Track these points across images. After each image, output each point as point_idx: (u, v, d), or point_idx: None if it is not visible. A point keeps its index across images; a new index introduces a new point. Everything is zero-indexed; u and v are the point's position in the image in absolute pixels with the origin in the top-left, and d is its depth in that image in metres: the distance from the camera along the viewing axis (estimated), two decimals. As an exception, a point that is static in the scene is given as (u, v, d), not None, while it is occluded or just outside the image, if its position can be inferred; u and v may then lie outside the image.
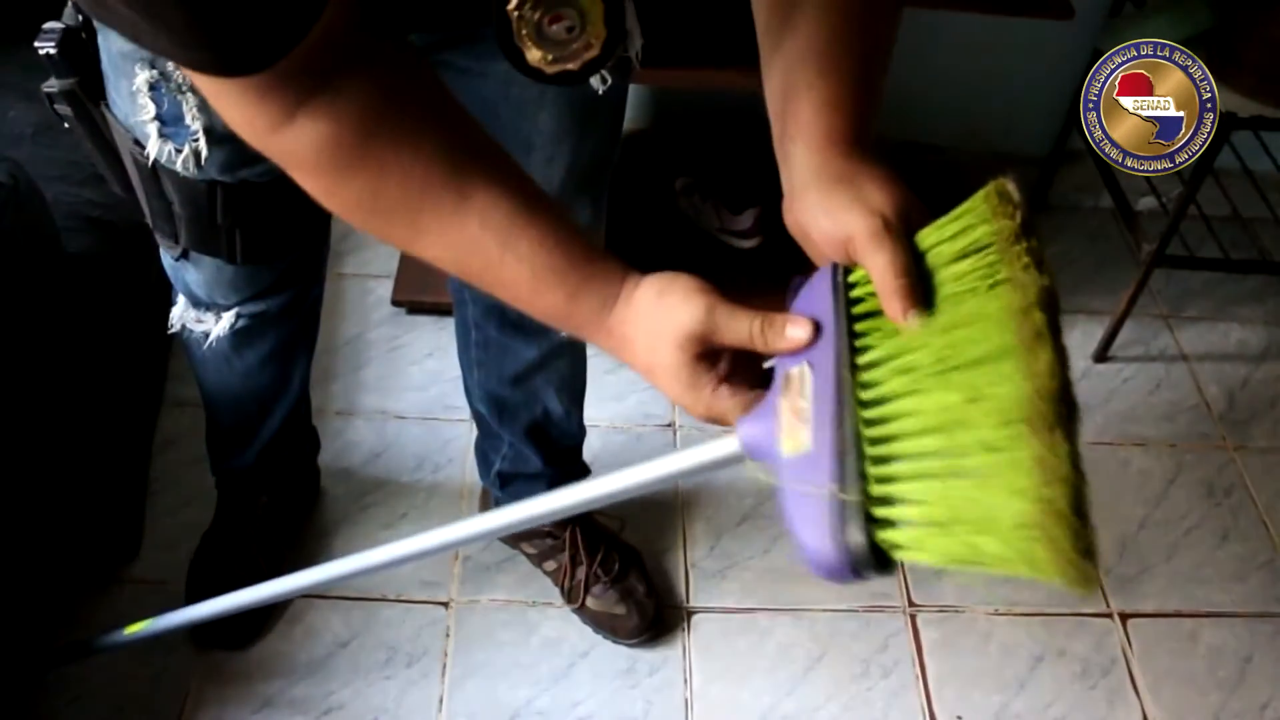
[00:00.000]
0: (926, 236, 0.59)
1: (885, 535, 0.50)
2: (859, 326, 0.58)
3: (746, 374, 0.64)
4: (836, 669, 1.51)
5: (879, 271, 0.57)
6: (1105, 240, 2.23)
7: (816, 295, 0.61)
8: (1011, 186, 0.55)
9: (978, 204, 0.56)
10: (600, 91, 0.98)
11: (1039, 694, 1.51)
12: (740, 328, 0.62)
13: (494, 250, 0.65)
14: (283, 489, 1.50)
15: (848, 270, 0.60)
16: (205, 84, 0.62)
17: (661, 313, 0.64)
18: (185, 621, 1.15)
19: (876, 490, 0.51)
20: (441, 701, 1.42)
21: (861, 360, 0.56)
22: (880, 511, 0.51)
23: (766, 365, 0.64)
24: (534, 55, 0.78)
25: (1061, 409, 0.47)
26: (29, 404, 1.22)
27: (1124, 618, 1.61)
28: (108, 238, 1.40)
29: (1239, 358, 2.04)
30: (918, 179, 2.23)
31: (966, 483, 0.48)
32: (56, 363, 1.28)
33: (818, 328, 0.60)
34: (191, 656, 1.41)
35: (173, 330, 1.20)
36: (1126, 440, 1.86)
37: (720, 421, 0.64)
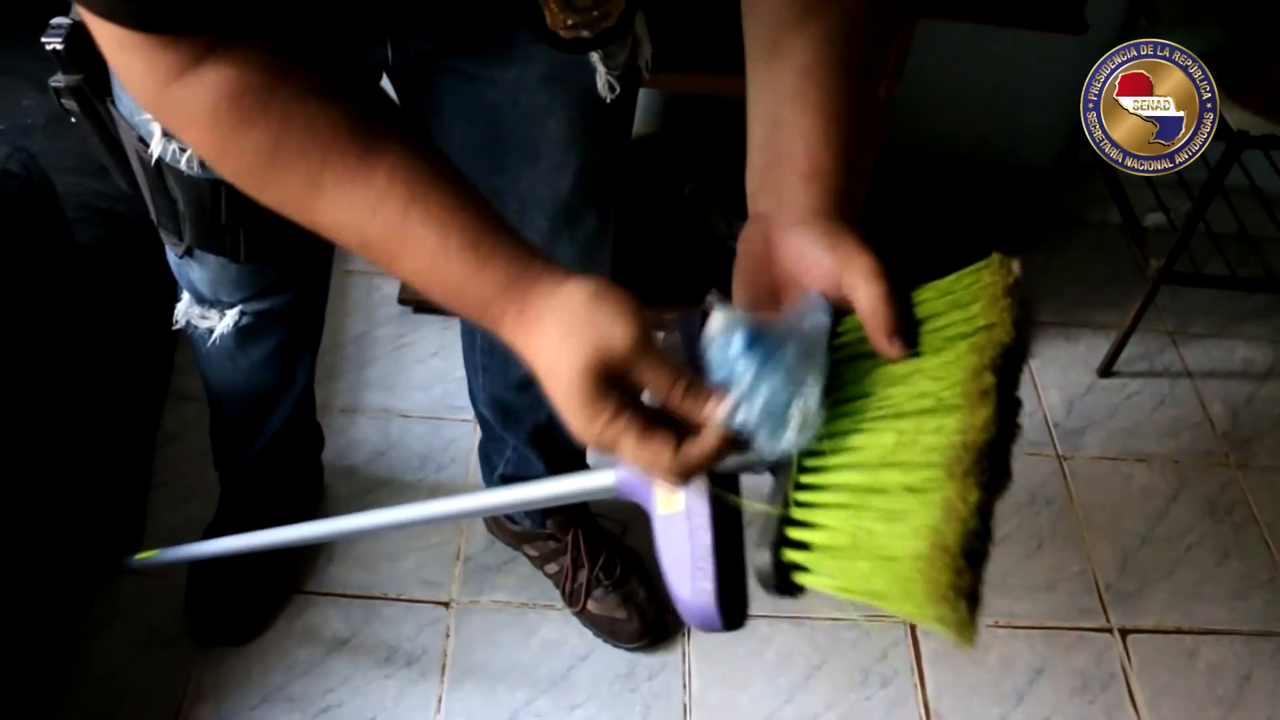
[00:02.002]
0: (923, 291, 0.60)
1: (791, 554, 0.53)
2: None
3: (640, 407, 0.59)
4: (835, 677, 1.51)
5: (874, 300, 0.58)
6: (1112, 255, 2.23)
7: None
8: (1016, 263, 0.56)
9: (978, 268, 0.58)
10: (609, 100, 0.98)
11: (1037, 707, 1.51)
12: (661, 380, 0.58)
13: (399, 209, 0.60)
14: (286, 485, 1.50)
15: (838, 318, 0.61)
16: (109, 32, 0.58)
17: (588, 316, 0.58)
18: (191, 557, 1.22)
19: (797, 513, 0.54)
20: (440, 701, 1.42)
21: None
22: (791, 532, 0.53)
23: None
24: (556, 19, 0.78)
25: (985, 463, 0.48)
26: (35, 394, 1.22)
27: (1124, 633, 1.61)
28: (117, 229, 1.40)
29: (1244, 375, 2.04)
30: (929, 188, 2.22)
31: (873, 515, 0.50)
32: (64, 353, 1.28)
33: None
34: (191, 652, 1.41)
35: (177, 326, 1.20)
36: (1129, 455, 1.86)
37: (605, 449, 0.59)
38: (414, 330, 1.87)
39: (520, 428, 1.37)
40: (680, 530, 0.60)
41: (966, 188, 2.20)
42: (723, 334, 0.57)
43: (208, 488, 1.51)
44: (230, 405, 1.38)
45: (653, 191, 2.05)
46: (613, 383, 0.58)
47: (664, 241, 1.99)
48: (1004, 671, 1.54)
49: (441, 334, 1.85)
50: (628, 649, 1.49)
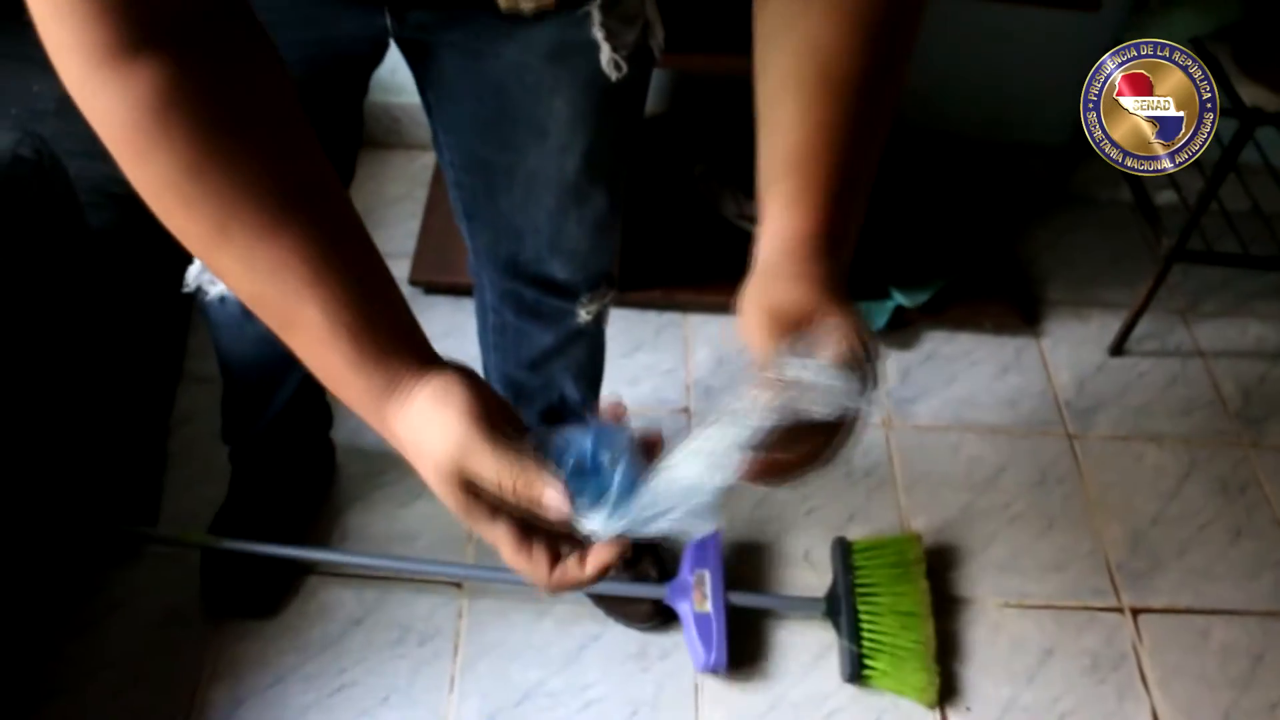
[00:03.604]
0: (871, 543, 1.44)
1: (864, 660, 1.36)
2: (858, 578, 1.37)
3: (515, 513, 0.61)
4: (846, 657, 1.51)
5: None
6: (1123, 233, 2.22)
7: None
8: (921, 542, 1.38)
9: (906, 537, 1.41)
10: (615, 79, 0.97)
11: (1048, 687, 1.52)
12: (488, 471, 0.57)
13: (294, 284, 0.58)
14: (296, 461, 1.51)
15: (849, 545, 1.32)
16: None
17: (427, 426, 0.59)
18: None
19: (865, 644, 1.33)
20: (453, 681, 1.43)
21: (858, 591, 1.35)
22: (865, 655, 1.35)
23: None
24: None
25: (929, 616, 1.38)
26: (51, 377, 1.23)
27: (1135, 612, 1.61)
28: (130, 212, 1.39)
29: (1256, 354, 2.03)
30: (939, 167, 2.20)
31: (893, 647, 1.38)
32: (78, 336, 1.29)
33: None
34: (207, 632, 1.43)
35: (187, 289, 1.20)
36: (1141, 435, 1.86)
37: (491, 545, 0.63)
38: (425, 311, 1.87)
39: (532, 407, 1.37)
40: (703, 623, 1.20)
41: (977, 166, 2.19)
42: (571, 449, 0.60)
43: (222, 469, 1.52)
44: (240, 374, 1.38)
45: (662, 172, 2.05)
46: (474, 487, 0.59)
47: (674, 223, 1.99)
48: (1014, 652, 1.55)
49: (453, 314, 1.86)
50: (640, 629, 1.49)
